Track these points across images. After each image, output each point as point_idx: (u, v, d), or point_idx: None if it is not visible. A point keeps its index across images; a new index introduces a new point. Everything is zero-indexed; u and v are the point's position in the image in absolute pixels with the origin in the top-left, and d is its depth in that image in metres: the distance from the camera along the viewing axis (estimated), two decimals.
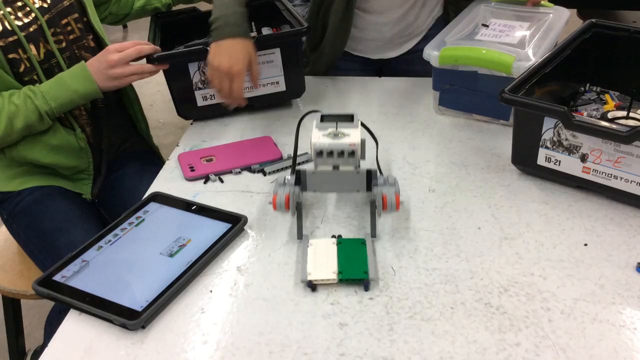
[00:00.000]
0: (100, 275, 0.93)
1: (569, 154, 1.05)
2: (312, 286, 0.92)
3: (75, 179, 1.41)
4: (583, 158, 1.03)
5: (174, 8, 1.61)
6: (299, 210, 1.02)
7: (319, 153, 0.99)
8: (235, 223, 1.02)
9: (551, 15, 1.38)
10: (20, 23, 1.24)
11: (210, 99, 1.37)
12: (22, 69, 1.25)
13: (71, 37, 1.35)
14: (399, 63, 1.62)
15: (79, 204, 1.38)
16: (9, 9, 1.23)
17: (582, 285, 0.90)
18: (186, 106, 1.38)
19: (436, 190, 1.12)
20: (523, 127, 1.09)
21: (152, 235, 1.02)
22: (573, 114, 1.00)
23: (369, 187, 1.04)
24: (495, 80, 1.23)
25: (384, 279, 0.92)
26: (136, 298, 0.88)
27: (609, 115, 1.20)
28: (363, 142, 1.01)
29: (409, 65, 1.59)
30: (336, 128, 1.00)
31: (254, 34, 1.48)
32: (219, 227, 1.02)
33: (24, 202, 1.35)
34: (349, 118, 1.03)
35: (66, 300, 0.90)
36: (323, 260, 0.95)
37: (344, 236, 1.01)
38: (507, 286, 0.90)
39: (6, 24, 1.22)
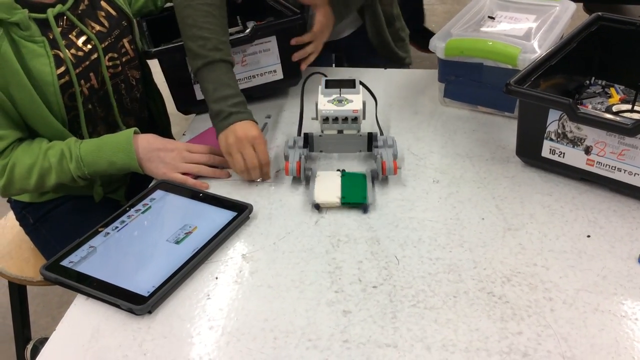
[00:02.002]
0: (108, 261, 0.95)
1: (574, 146, 1.05)
2: (318, 208, 1.04)
3: (111, 189, 1.36)
4: (587, 150, 1.04)
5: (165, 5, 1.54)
6: (308, 170, 1.11)
7: (325, 119, 1.10)
8: (240, 211, 1.03)
9: (557, 8, 1.39)
10: (82, 53, 1.18)
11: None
12: (80, 101, 1.18)
13: (124, 59, 1.30)
14: (349, 47, 1.67)
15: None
16: (68, 41, 1.17)
17: (585, 276, 0.90)
18: (185, 101, 1.37)
19: (440, 181, 1.13)
20: (528, 119, 1.10)
21: (158, 222, 1.03)
22: (578, 106, 1.00)
23: (369, 148, 1.16)
24: (501, 73, 1.23)
25: (387, 268, 0.93)
26: (143, 283, 0.89)
27: (614, 109, 1.20)
28: (364, 104, 1.11)
29: (362, 42, 1.62)
30: (340, 94, 1.11)
31: (239, 27, 1.49)
32: (225, 215, 1.03)
33: (59, 210, 1.31)
34: (351, 83, 1.14)
35: (73, 285, 0.91)
36: (329, 187, 1.07)
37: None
38: (509, 276, 0.91)
39: (67, 59, 1.15)
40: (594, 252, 0.95)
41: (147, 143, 1.15)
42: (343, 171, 1.11)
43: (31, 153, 1.13)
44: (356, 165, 1.18)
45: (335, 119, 1.09)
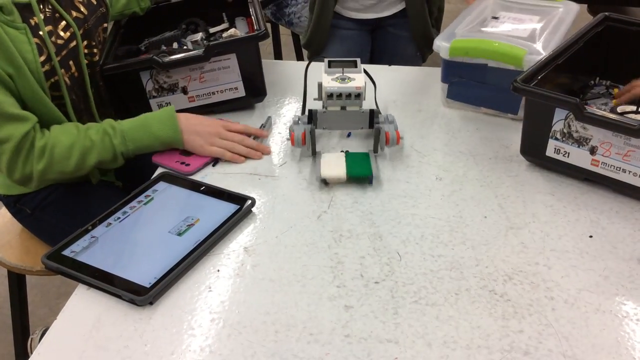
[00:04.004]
0: (109, 252, 0.94)
1: (579, 146, 1.05)
2: (325, 182, 1.10)
3: (104, 170, 1.35)
4: (592, 150, 1.04)
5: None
6: (312, 136, 1.17)
7: (329, 95, 1.14)
8: (243, 204, 1.03)
9: (561, 9, 1.38)
10: (61, 41, 1.17)
11: (166, 106, 1.30)
12: (65, 90, 1.18)
13: (101, 47, 1.29)
14: (389, 25, 1.84)
15: (116, 194, 1.31)
16: (49, 27, 1.15)
17: (586, 276, 0.90)
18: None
19: (443, 178, 1.13)
20: (533, 118, 1.10)
21: (160, 214, 1.03)
22: (585, 106, 1.00)
23: (371, 125, 1.20)
24: (505, 74, 1.22)
25: (389, 264, 0.93)
26: (144, 274, 0.89)
27: (618, 109, 1.20)
28: (364, 85, 1.15)
29: (397, 29, 1.84)
30: (342, 73, 1.16)
31: (225, 25, 1.48)
32: (227, 208, 1.03)
33: (56, 195, 1.30)
34: (353, 64, 1.19)
35: (75, 275, 0.91)
36: (334, 164, 1.12)
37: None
38: (511, 274, 0.91)
39: (49, 46, 1.13)
40: (596, 253, 0.95)
41: (186, 119, 1.19)
42: (347, 151, 1.17)
43: (69, 133, 1.12)
44: (358, 145, 1.23)
45: (339, 95, 1.14)
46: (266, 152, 1.21)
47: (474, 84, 1.30)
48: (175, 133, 1.17)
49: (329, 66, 1.18)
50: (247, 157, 1.19)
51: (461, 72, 1.30)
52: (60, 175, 1.14)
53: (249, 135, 1.23)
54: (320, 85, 1.17)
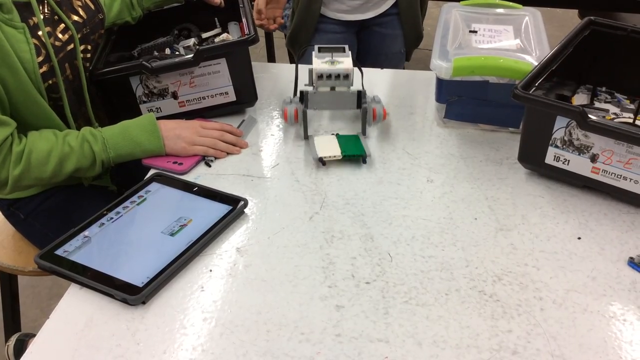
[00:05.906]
0: (102, 251, 0.95)
1: (579, 154, 1.05)
2: (323, 162, 1.17)
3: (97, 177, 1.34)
4: (593, 158, 1.04)
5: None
6: (305, 117, 1.24)
7: (320, 76, 1.23)
8: (235, 205, 1.04)
9: (527, 17, 1.36)
10: (59, 43, 1.16)
11: (157, 111, 1.31)
12: (63, 90, 1.17)
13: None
14: (374, 25, 1.85)
15: (108, 199, 1.27)
16: (48, 29, 1.14)
17: (575, 277, 0.92)
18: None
19: (434, 180, 1.14)
20: (533, 125, 1.09)
21: (153, 214, 1.03)
22: (589, 115, 1.00)
23: (358, 105, 1.27)
24: (507, 88, 1.16)
25: (380, 265, 0.94)
26: (137, 274, 0.89)
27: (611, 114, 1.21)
28: (352, 71, 1.23)
29: (382, 27, 1.85)
30: (332, 57, 1.25)
31: (218, 30, 1.49)
32: (220, 209, 1.03)
33: (50, 202, 1.29)
34: (341, 49, 1.28)
35: (67, 274, 0.91)
36: (328, 145, 1.21)
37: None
38: (501, 275, 0.92)
39: (48, 47, 1.12)
40: (584, 254, 0.96)
41: (163, 124, 1.20)
42: (337, 134, 1.25)
43: (47, 139, 1.11)
44: (346, 127, 1.31)
45: (329, 76, 1.22)
46: (244, 147, 1.25)
47: (475, 101, 1.26)
48: (157, 139, 1.18)
49: (319, 51, 1.26)
50: (228, 153, 1.22)
51: (460, 90, 1.26)
52: (36, 182, 1.13)
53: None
54: (311, 72, 1.23)
